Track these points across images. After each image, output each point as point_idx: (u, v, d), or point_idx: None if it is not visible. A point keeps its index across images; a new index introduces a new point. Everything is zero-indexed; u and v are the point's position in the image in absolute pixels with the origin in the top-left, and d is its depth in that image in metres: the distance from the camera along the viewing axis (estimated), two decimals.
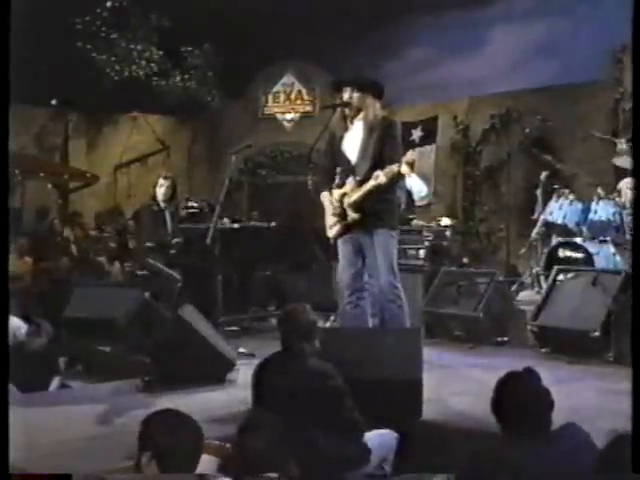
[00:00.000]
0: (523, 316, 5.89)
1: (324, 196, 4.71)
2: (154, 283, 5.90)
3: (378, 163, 4.46)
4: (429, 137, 11.77)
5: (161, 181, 6.28)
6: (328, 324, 5.90)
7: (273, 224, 7.24)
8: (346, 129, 4.70)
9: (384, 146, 4.52)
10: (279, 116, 13.12)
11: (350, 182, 4.58)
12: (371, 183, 4.41)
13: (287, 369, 3.25)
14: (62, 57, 11.00)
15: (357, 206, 4.52)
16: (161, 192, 6.23)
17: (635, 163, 3.33)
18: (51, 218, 10.41)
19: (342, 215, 4.60)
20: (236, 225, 6.65)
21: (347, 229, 4.64)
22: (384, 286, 4.55)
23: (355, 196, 4.52)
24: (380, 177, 4.34)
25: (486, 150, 11.16)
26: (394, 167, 4.31)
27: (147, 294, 5.60)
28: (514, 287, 7.43)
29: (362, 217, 4.53)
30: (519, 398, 2.47)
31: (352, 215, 4.56)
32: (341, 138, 4.71)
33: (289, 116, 13.09)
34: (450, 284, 6.11)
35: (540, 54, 10.97)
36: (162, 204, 6.22)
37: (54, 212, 11.16)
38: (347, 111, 4.66)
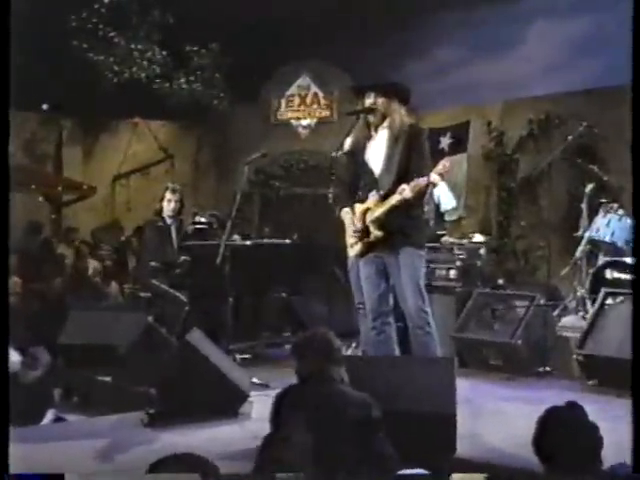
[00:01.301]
0: (567, 344, 5.89)
1: (345, 212, 4.76)
2: (158, 306, 5.99)
3: (403, 175, 4.51)
4: (459, 145, 11.81)
5: (169, 195, 6.38)
6: (350, 352, 5.94)
7: (288, 241, 7.31)
8: (369, 138, 4.76)
9: (410, 157, 4.57)
10: (294, 122, 13.20)
11: (373, 196, 4.62)
12: (396, 198, 4.44)
13: (312, 399, 3.27)
14: (55, 57, 11.15)
15: (381, 223, 4.57)
16: (170, 208, 6.33)
17: (635, 163, 3.45)
18: (43, 234, 10.54)
19: (364, 232, 4.65)
20: (248, 242, 6.72)
21: (370, 248, 4.68)
22: (411, 310, 4.59)
23: (378, 212, 4.57)
24: (406, 191, 4.37)
25: (523, 159, 11.17)
26: (421, 181, 4.35)
27: (150, 318, 5.67)
28: (556, 312, 7.40)
29: (386, 235, 4.58)
30: (563, 435, 2.48)
31: (375, 232, 4.60)
32: (364, 147, 4.76)
33: (305, 122, 13.17)
34: (484, 308, 6.14)
35: (583, 53, 11.00)
36: (168, 220, 6.32)
37: (46, 228, 11.29)
38: (371, 118, 4.72)
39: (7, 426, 2.49)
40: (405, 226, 4.58)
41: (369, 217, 4.62)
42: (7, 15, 2.58)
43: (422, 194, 4.53)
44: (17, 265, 8.30)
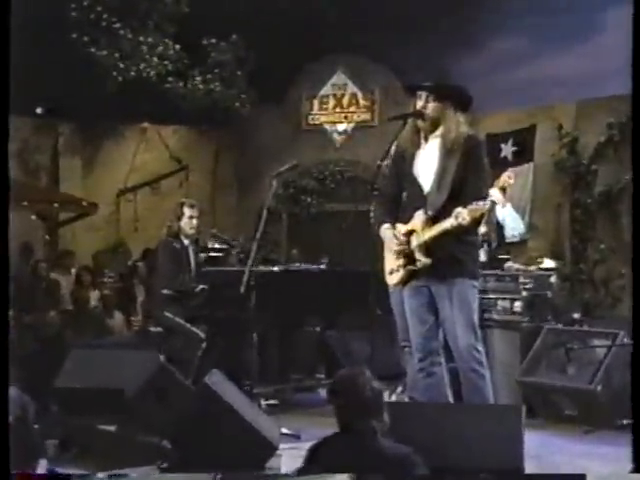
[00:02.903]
0: None
1: (385, 229, 4.77)
2: (172, 343, 6.04)
3: (457, 195, 4.52)
4: (524, 153, 11.81)
5: (189, 211, 6.46)
6: (394, 397, 5.95)
7: (322, 267, 7.35)
8: (419, 147, 4.79)
9: (467, 173, 4.57)
10: (328, 127, 13.31)
11: (420, 216, 4.63)
12: (450, 222, 4.41)
13: (351, 453, 3.30)
14: (52, 52, 11.29)
15: (429, 248, 4.59)
16: (192, 225, 6.42)
17: (635, 163, 3.46)
18: (35, 258, 10.68)
19: (408, 258, 4.67)
20: (276, 268, 6.77)
21: (413, 276, 4.70)
22: (462, 350, 4.60)
23: (427, 236, 4.57)
24: (463, 216, 4.33)
25: (601, 170, 11.14)
26: (481, 205, 4.34)
27: (162, 357, 5.71)
28: None
29: (435, 262, 4.59)
30: None
31: (422, 260, 4.61)
32: (412, 158, 4.79)
33: (341, 127, 13.27)
34: (557, 347, 6.12)
35: None
36: (185, 241, 6.39)
37: (39, 251, 11.43)
38: (420, 123, 4.75)
39: (7, 427, 2.58)
40: (457, 253, 4.59)
41: (415, 241, 4.63)
42: (7, 15, 2.69)
43: (480, 219, 4.54)
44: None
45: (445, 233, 4.48)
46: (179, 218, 6.58)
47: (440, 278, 4.63)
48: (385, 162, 4.89)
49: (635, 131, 3.51)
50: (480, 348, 4.64)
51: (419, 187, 4.71)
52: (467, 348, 4.59)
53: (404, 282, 4.75)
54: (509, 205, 6.16)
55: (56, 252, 11.52)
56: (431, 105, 4.69)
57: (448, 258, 4.58)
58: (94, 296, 9.61)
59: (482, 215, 4.43)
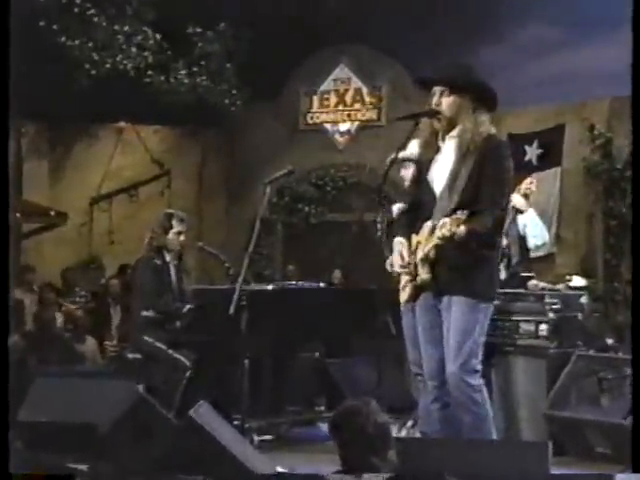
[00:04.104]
0: None
1: (397, 242, 4.82)
2: (152, 371, 6.05)
3: (470, 203, 4.53)
4: (551, 157, 11.86)
5: (178, 226, 6.50)
6: (404, 432, 5.97)
7: (322, 284, 7.37)
8: (437, 151, 4.82)
9: (482, 178, 4.58)
10: (329, 127, 13.38)
11: (427, 226, 4.70)
12: (436, 233, 4.51)
13: None
14: (16, 42, 11.32)
15: (430, 262, 4.63)
16: (178, 241, 6.51)
17: (635, 163, 3.51)
18: None
19: (413, 272, 4.74)
20: (270, 287, 6.79)
21: (419, 292, 4.78)
22: (449, 383, 4.64)
23: (426, 248, 4.64)
24: (447, 227, 4.39)
25: None
26: (461, 213, 4.36)
27: (141, 387, 5.74)
28: None
29: (437, 277, 4.64)
30: None
31: (422, 275, 4.68)
32: (430, 162, 4.84)
33: (343, 127, 13.33)
34: (588, 376, 6.13)
35: None
36: (167, 256, 6.43)
37: None
38: (436, 124, 4.78)
39: (7, 425, 2.63)
40: (461, 267, 4.61)
41: (419, 254, 4.70)
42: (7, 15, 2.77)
43: (495, 227, 4.55)
44: None
45: (442, 245, 4.51)
46: (166, 232, 6.63)
47: (442, 295, 4.68)
48: (404, 161, 4.91)
49: (635, 131, 3.61)
50: (473, 382, 4.63)
51: (433, 195, 4.76)
52: (454, 381, 4.61)
53: (413, 299, 4.80)
54: (531, 210, 6.15)
55: (18, 267, 11.52)
56: (445, 102, 4.70)
57: (448, 273, 4.63)
58: (61, 317, 9.60)
59: (479, 228, 4.44)
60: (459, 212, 4.36)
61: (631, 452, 2.26)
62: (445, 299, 4.67)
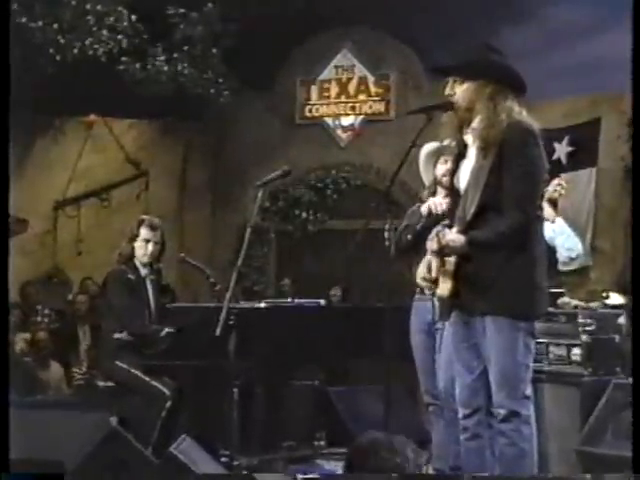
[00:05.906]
0: None
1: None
2: (127, 402, 6.05)
3: (493, 206, 4.54)
4: (584, 155, 11.85)
5: (146, 233, 6.51)
6: (424, 469, 5.99)
7: (322, 302, 7.38)
8: (464, 145, 4.83)
9: (504, 174, 4.55)
10: (330, 120, 13.40)
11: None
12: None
13: None
14: None
15: (450, 274, 4.62)
16: (147, 252, 6.48)
17: (635, 163, 3.53)
18: None
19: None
20: (262, 304, 6.80)
21: (449, 309, 4.78)
22: (499, 411, 4.63)
23: (448, 259, 4.64)
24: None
25: None
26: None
27: (114, 420, 5.74)
28: None
29: (459, 292, 4.63)
30: None
31: (440, 291, 4.68)
32: (457, 162, 4.88)
33: (346, 121, 13.35)
34: (626, 408, 6.12)
35: None
36: (142, 270, 6.43)
37: None
38: (457, 115, 4.78)
39: (7, 425, 2.66)
40: (486, 279, 4.58)
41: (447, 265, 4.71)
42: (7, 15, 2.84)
43: (522, 230, 4.56)
44: None
45: (464, 256, 4.53)
46: (131, 239, 6.64)
47: (470, 313, 4.69)
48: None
49: (635, 131, 3.67)
50: (523, 412, 4.64)
51: (458, 197, 4.79)
52: (502, 412, 4.60)
53: (444, 317, 4.84)
54: (560, 219, 6.11)
55: None
56: (459, 90, 4.68)
57: (469, 287, 4.61)
58: (21, 339, 9.59)
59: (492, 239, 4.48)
60: (498, 223, 4.45)
61: (632, 452, 2.32)
62: (478, 318, 4.68)
